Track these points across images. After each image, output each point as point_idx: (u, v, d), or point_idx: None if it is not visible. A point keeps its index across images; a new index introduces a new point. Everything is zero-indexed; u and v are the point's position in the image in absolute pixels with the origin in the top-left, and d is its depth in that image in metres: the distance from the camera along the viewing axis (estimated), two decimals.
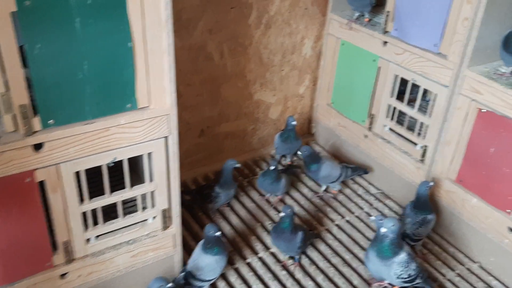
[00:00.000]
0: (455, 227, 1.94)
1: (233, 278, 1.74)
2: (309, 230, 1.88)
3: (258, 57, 2.18)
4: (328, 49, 2.33)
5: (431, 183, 1.81)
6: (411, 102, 2.03)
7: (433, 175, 1.96)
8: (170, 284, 1.45)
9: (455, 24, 1.73)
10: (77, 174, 1.34)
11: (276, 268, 1.79)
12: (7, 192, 1.24)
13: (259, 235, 1.93)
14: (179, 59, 1.92)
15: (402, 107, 2.04)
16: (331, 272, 1.78)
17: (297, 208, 2.08)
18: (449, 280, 1.78)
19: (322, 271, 1.79)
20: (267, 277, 1.75)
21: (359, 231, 1.99)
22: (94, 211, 1.43)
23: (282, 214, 1.67)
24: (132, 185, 1.47)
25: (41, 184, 1.29)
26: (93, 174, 1.41)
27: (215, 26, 1.98)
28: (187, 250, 1.76)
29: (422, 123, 1.98)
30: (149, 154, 1.43)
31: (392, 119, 2.11)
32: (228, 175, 1.94)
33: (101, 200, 1.42)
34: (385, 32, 2.01)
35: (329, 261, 1.84)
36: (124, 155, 1.39)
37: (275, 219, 2.01)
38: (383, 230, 1.40)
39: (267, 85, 2.29)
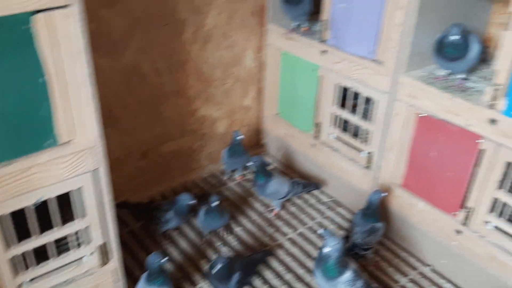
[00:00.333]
0: (405, 231, 1.94)
1: None
2: (262, 250, 1.86)
3: (198, 72, 2.13)
4: (270, 60, 2.30)
5: (384, 194, 1.79)
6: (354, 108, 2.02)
7: (380, 181, 1.96)
8: None
9: (389, 31, 1.72)
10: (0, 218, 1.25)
11: None
12: None
13: (210, 258, 1.88)
14: (112, 81, 1.87)
15: (345, 114, 2.03)
16: None
17: (248, 225, 2.03)
18: (402, 287, 1.78)
19: None
20: None
21: (311, 243, 1.96)
22: (24, 254, 1.34)
23: (217, 265, 1.55)
24: (68, 220, 1.39)
25: None
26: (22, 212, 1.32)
27: (148, 45, 1.91)
28: (134, 281, 1.69)
29: (366, 130, 1.97)
30: (79, 189, 1.36)
31: (337, 127, 2.09)
32: (182, 207, 1.86)
33: (30, 243, 1.34)
34: (323, 41, 1.99)
35: (282, 278, 1.80)
36: (51, 193, 1.31)
37: (226, 242, 1.96)
38: (326, 249, 1.38)
39: (211, 99, 2.24)
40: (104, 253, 1.48)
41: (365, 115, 1.99)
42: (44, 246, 1.39)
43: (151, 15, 1.87)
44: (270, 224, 2.05)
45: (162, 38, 1.94)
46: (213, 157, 2.38)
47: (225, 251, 1.90)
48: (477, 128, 1.54)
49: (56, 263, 1.42)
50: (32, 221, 1.32)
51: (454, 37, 1.51)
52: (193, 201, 1.84)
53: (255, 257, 1.82)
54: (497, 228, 1.62)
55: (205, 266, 1.83)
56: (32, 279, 1.39)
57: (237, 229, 2.01)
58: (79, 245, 1.45)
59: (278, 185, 2.00)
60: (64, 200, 1.36)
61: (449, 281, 1.81)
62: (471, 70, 1.67)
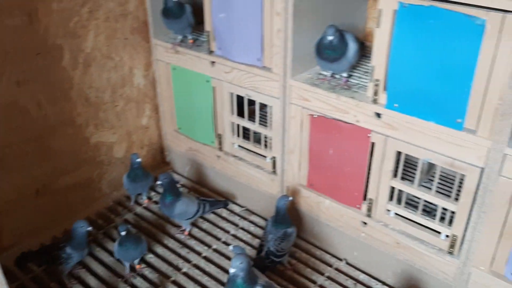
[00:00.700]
0: (317, 230, 1.96)
1: None
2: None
3: (84, 98, 2.00)
4: (161, 76, 2.22)
5: (290, 198, 1.78)
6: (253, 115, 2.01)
7: (287, 184, 1.97)
8: None
9: (271, 37, 1.72)
10: None
11: None
12: None
13: None
14: None
15: (244, 123, 2.01)
16: None
17: (160, 250, 1.95)
18: (320, 285, 1.80)
19: None
20: None
21: (227, 257, 1.92)
22: None
23: None
24: None
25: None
26: None
27: (23, 76, 1.76)
28: None
29: (266, 136, 1.97)
30: None
31: (239, 136, 2.08)
32: (80, 236, 1.74)
33: None
34: (211, 52, 1.96)
35: None
36: None
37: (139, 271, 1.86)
38: (231, 270, 1.34)
39: (103, 124, 2.12)
40: None
41: (265, 121, 2.00)
42: None
43: (21, 46, 1.72)
44: (184, 245, 1.99)
45: (38, 67, 1.79)
46: (115, 183, 2.26)
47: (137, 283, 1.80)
48: (365, 123, 1.59)
49: None
50: None
51: (330, 38, 1.54)
52: (89, 228, 1.73)
53: None
54: (397, 215, 1.69)
55: None
56: None
57: (149, 256, 1.92)
58: None
59: (186, 206, 1.94)
60: None
61: (363, 272, 1.86)
62: (353, 67, 1.72)
